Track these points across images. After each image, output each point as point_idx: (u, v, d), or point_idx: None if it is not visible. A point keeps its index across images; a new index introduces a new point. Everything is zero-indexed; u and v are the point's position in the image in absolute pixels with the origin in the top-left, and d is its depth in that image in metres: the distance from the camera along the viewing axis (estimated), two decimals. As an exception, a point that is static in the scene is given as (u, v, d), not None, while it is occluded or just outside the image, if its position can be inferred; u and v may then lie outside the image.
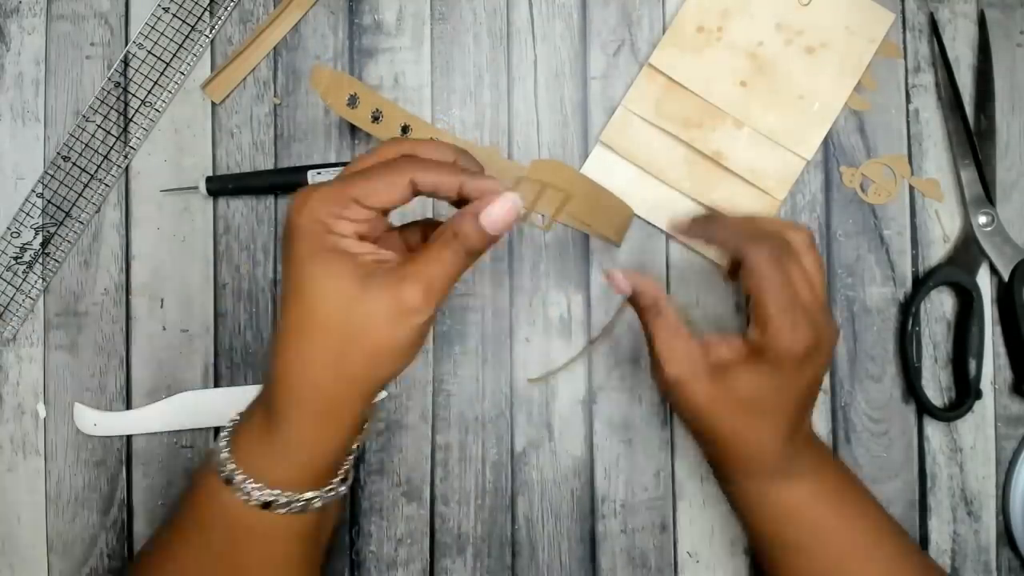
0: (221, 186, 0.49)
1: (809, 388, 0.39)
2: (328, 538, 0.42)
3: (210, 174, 0.50)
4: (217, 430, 0.49)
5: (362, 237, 0.35)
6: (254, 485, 0.35)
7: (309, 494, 0.36)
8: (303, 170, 0.49)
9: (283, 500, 0.35)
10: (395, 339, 0.34)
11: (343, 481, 0.38)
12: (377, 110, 0.43)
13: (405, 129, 0.45)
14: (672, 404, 0.41)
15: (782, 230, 0.40)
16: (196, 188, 0.49)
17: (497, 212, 0.34)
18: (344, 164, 0.49)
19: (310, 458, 0.35)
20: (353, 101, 0.43)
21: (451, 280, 0.35)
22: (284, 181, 0.49)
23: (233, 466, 0.35)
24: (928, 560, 0.43)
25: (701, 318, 0.50)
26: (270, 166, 0.50)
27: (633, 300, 0.41)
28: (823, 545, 0.40)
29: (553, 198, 0.43)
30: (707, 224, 0.41)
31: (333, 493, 0.37)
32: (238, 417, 0.38)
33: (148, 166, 0.51)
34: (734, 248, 0.39)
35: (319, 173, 0.49)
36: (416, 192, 0.35)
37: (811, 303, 0.38)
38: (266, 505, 0.35)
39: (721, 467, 0.42)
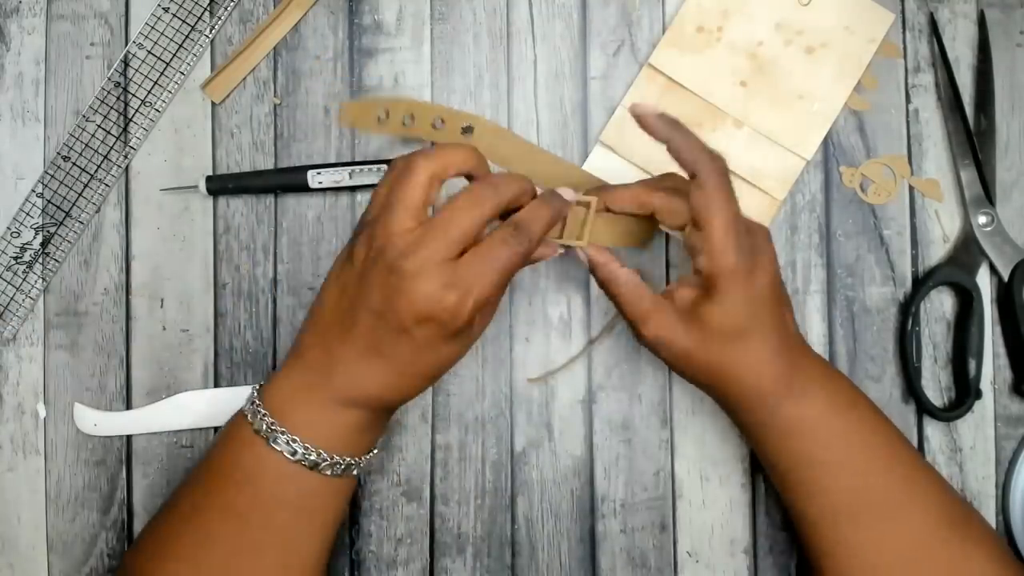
0: (221, 185, 0.49)
1: (773, 291, 0.40)
2: (344, 516, 0.45)
3: (210, 174, 0.50)
4: (216, 429, 0.50)
5: None
6: (301, 444, 0.38)
7: (350, 459, 0.40)
8: (303, 170, 0.49)
9: (328, 461, 0.39)
10: (454, 364, 0.41)
11: (374, 453, 0.43)
12: (410, 115, 0.43)
13: (436, 125, 0.44)
14: (663, 360, 0.41)
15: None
16: (196, 187, 0.49)
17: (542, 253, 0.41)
18: (343, 164, 0.49)
19: (359, 436, 0.40)
20: (383, 116, 0.43)
21: (497, 279, 0.38)
22: (284, 181, 0.49)
23: (278, 426, 0.39)
24: (939, 474, 0.43)
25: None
26: (270, 166, 0.50)
27: (593, 274, 0.42)
28: (842, 458, 0.41)
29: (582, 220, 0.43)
30: (670, 127, 0.40)
31: (371, 460, 0.42)
32: (259, 385, 0.41)
33: (148, 166, 0.51)
34: (689, 159, 0.39)
35: (319, 173, 0.49)
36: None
37: (743, 219, 0.40)
38: (313, 466, 0.39)
39: (729, 404, 0.42)
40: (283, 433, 0.38)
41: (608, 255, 0.42)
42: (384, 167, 0.49)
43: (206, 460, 0.42)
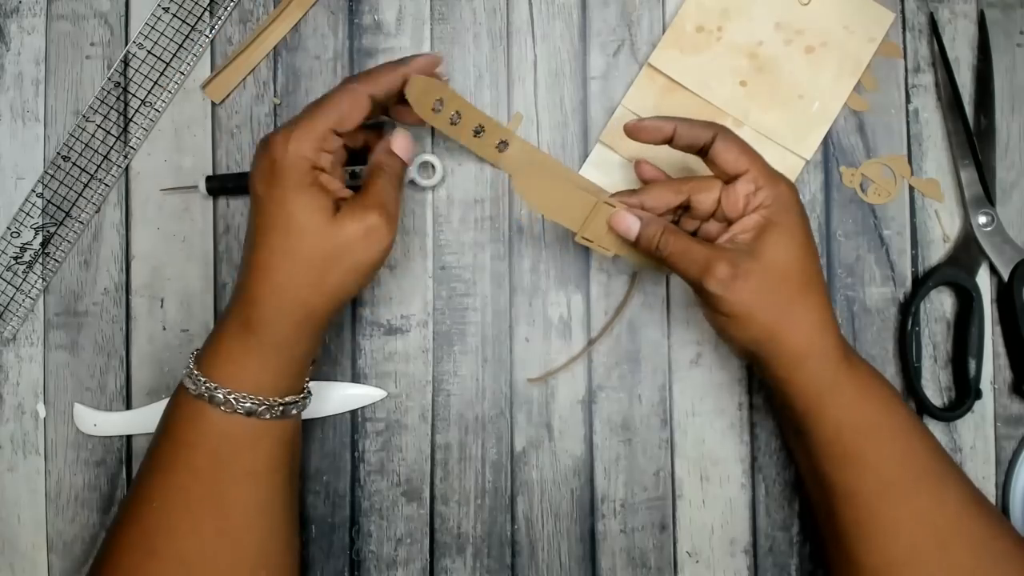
0: (221, 185, 0.49)
1: (810, 227, 0.42)
2: (298, 461, 0.45)
3: (210, 174, 0.50)
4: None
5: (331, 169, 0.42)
6: (237, 395, 0.39)
7: (289, 398, 0.41)
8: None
9: (265, 405, 0.40)
10: (368, 257, 0.40)
11: (308, 394, 0.44)
12: (456, 112, 0.46)
13: (478, 131, 0.47)
14: (722, 318, 0.41)
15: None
16: (196, 187, 0.49)
17: (400, 143, 0.44)
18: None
19: (288, 363, 0.41)
20: (438, 106, 0.45)
21: (397, 202, 0.42)
22: None
23: (214, 384, 0.40)
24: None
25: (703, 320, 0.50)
26: (270, 166, 0.50)
27: (638, 246, 0.44)
28: (896, 424, 0.41)
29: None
30: (665, 121, 0.43)
31: (305, 399, 0.43)
32: (195, 352, 0.42)
33: (148, 166, 0.51)
34: (699, 133, 0.42)
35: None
36: (375, 103, 0.42)
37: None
38: (250, 413, 0.40)
39: (783, 362, 0.41)
40: (195, 375, 0.40)
41: (656, 220, 0.43)
42: None
43: (154, 434, 0.42)
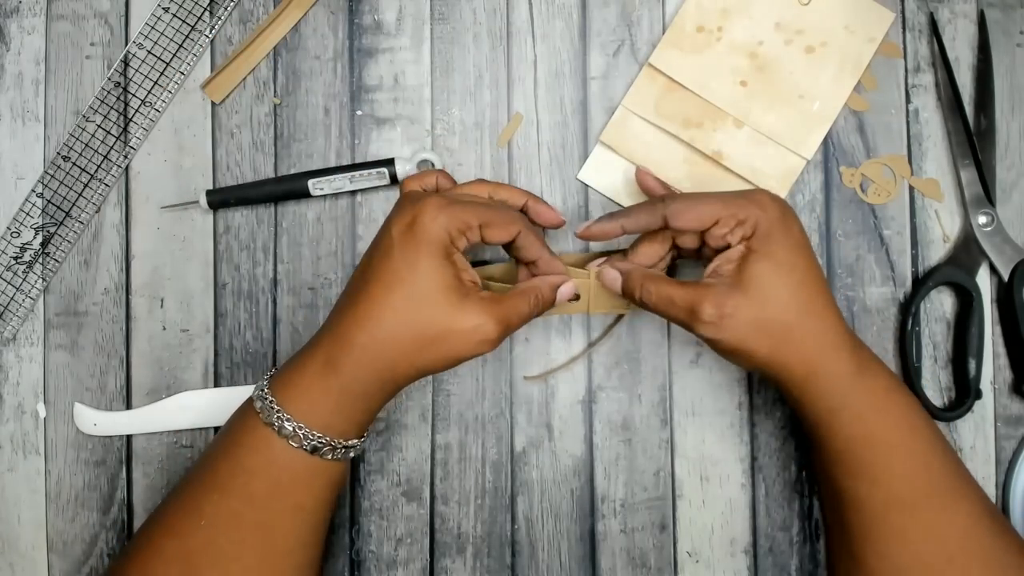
0: (222, 199, 0.49)
1: (805, 239, 0.41)
2: (337, 499, 0.45)
3: (210, 186, 0.50)
4: (216, 430, 0.49)
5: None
6: (307, 431, 0.39)
7: (352, 441, 0.41)
8: (303, 178, 0.49)
9: (330, 446, 0.40)
10: (463, 354, 0.40)
11: (367, 438, 0.44)
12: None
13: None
14: (725, 350, 0.41)
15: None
16: (196, 203, 0.49)
17: (567, 290, 0.44)
18: (343, 167, 0.49)
19: (362, 413, 0.41)
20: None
21: (521, 323, 0.42)
22: (284, 190, 0.49)
23: (286, 415, 0.39)
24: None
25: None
26: (270, 166, 0.50)
27: (631, 299, 0.44)
28: (910, 441, 0.41)
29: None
30: (608, 227, 0.44)
31: (364, 442, 0.43)
32: (268, 374, 0.42)
33: (148, 166, 0.51)
34: (649, 223, 0.42)
35: (319, 181, 0.49)
36: (511, 242, 0.42)
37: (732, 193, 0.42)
38: (314, 450, 0.40)
39: (795, 380, 0.41)
40: (271, 402, 0.40)
41: (638, 269, 0.43)
42: (384, 170, 0.49)
43: (210, 446, 0.42)
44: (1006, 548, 0.40)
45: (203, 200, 0.49)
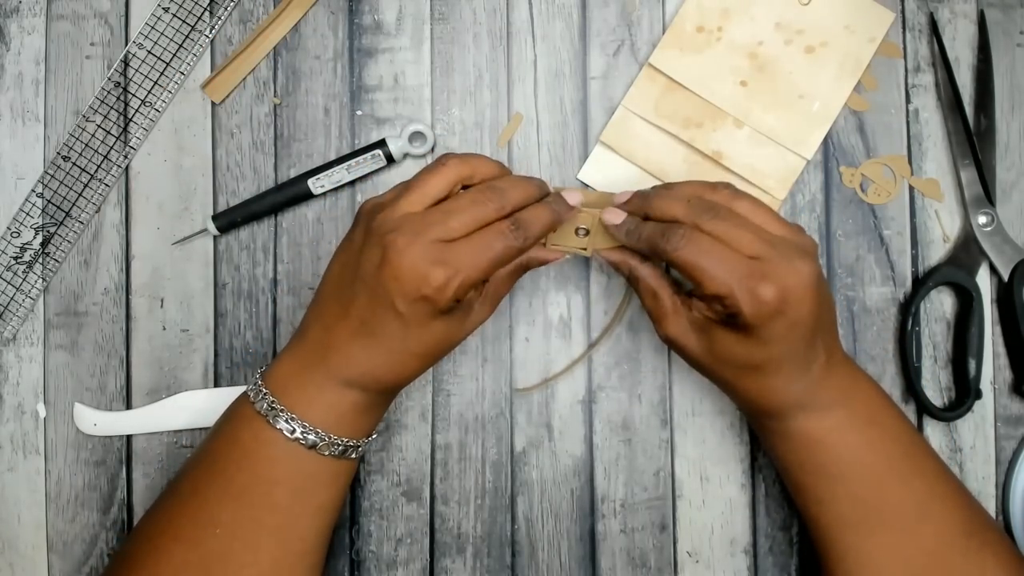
0: (229, 220, 0.49)
1: (804, 327, 0.38)
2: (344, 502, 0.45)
3: (210, 186, 0.50)
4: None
5: None
6: (302, 424, 0.39)
7: (373, 436, 0.42)
8: (302, 179, 0.49)
9: (354, 446, 0.40)
10: (460, 340, 0.41)
11: (372, 440, 0.43)
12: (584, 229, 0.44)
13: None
14: (680, 356, 0.42)
15: (701, 193, 0.40)
16: (206, 230, 0.49)
17: (549, 254, 0.43)
18: (337, 159, 0.49)
19: (379, 409, 0.42)
20: (582, 233, 0.44)
21: (506, 293, 0.43)
22: (288, 196, 0.49)
23: (309, 424, 0.39)
24: (962, 484, 0.43)
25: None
26: (270, 166, 0.50)
27: (617, 272, 0.44)
28: (857, 471, 0.40)
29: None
30: (629, 234, 0.41)
31: (369, 443, 0.42)
32: (263, 368, 0.42)
33: (148, 166, 0.51)
34: (652, 253, 0.40)
35: (319, 178, 0.49)
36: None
37: (759, 249, 0.37)
38: (342, 453, 0.40)
39: (741, 409, 0.43)
40: (283, 411, 0.39)
41: (624, 253, 0.42)
42: (379, 152, 0.48)
43: (207, 441, 0.42)
44: (979, 566, 0.40)
45: (211, 226, 0.49)
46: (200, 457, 0.42)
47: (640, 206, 0.41)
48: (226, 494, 0.40)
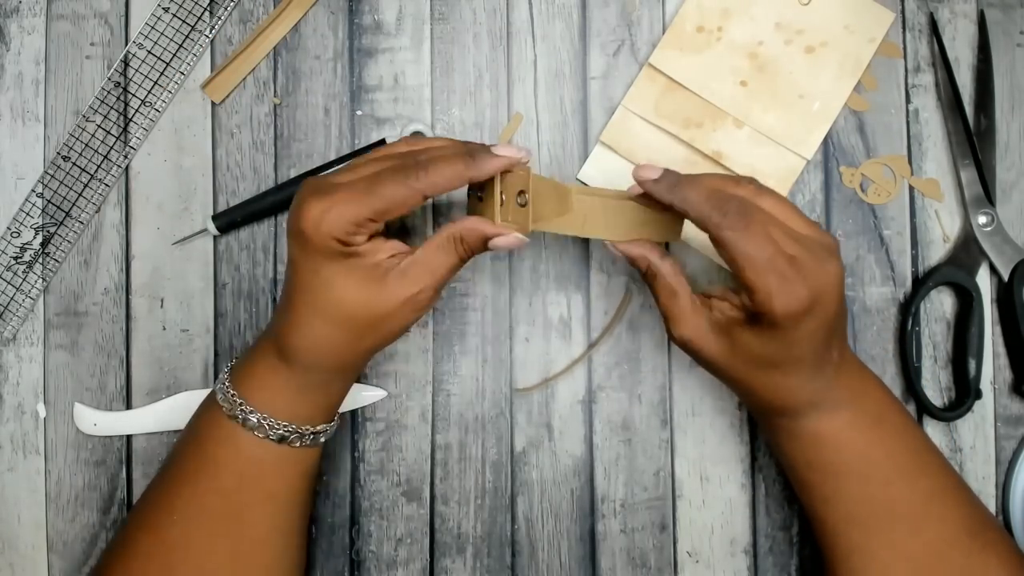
0: (229, 220, 0.49)
1: (825, 329, 0.37)
2: (314, 486, 0.45)
3: (210, 186, 0.50)
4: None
5: (371, 235, 0.38)
6: (272, 420, 0.39)
7: (320, 427, 0.41)
8: (302, 179, 0.49)
9: (298, 433, 0.40)
10: (405, 324, 0.40)
11: (337, 422, 0.43)
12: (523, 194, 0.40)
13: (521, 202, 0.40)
14: (691, 357, 0.41)
15: (723, 187, 0.38)
16: (205, 230, 0.49)
17: (504, 243, 0.39)
18: (337, 160, 0.49)
19: (325, 398, 0.41)
20: (521, 200, 0.40)
21: (453, 273, 0.40)
22: (287, 197, 0.49)
23: (249, 407, 0.39)
24: (966, 484, 0.43)
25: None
26: (270, 166, 0.50)
27: (634, 266, 0.42)
28: (864, 470, 0.40)
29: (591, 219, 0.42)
30: (671, 187, 0.38)
31: (335, 426, 0.43)
32: (228, 368, 0.42)
33: (148, 166, 0.51)
34: (698, 218, 0.37)
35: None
36: (426, 198, 0.38)
37: (793, 249, 0.36)
38: (282, 440, 0.40)
39: (751, 408, 0.42)
40: (229, 390, 0.40)
41: (645, 247, 0.41)
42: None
43: (178, 441, 0.43)
44: (982, 565, 0.40)
45: (211, 226, 0.49)
46: (171, 458, 0.43)
47: (671, 185, 0.39)
48: (181, 477, 0.41)
